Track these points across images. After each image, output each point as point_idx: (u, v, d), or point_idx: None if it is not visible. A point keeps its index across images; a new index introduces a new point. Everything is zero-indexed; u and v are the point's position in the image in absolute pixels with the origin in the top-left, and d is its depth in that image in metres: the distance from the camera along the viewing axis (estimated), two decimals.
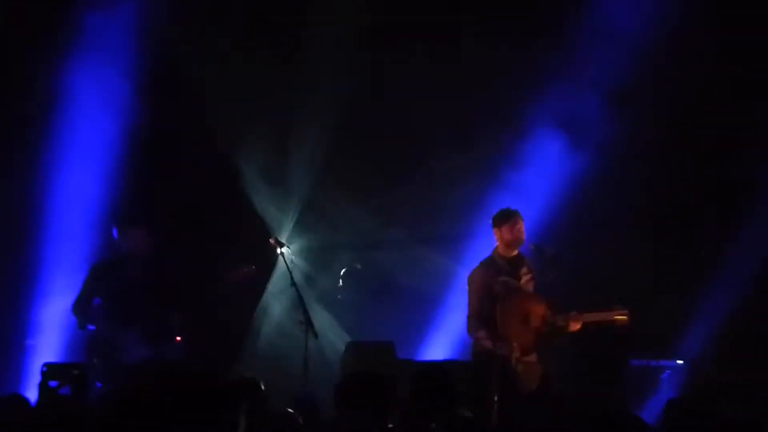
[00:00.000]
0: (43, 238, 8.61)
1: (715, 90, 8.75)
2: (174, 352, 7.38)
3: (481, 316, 7.17)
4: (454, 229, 9.13)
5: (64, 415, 4.77)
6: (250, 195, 9.20)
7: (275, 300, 9.20)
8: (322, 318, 8.88)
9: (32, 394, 6.48)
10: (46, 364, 6.63)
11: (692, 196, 8.94)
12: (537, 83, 8.96)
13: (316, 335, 7.28)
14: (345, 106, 9.06)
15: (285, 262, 7.51)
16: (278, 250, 7.55)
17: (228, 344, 8.80)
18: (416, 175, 9.21)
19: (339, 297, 9.39)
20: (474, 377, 7.06)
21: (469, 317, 7.29)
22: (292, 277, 7.38)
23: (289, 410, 5.18)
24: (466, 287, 7.39)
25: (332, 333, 9.01)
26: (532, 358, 7.16)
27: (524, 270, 7.34)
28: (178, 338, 7.44)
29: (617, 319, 7.15)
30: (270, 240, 7.68)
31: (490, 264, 7.35)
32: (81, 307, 7.45)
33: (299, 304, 7.30)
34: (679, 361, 8.44)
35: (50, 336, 8.34)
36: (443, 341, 8.86)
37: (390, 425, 4.52)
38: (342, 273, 9.41)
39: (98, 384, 6.99)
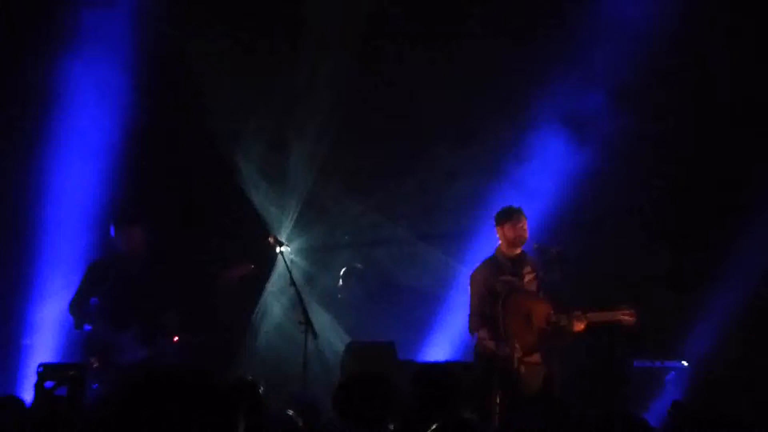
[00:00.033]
0: (40, 237, 8.60)
1: (722, 85, 8.74)
2: (171, 353, 7.38)
3: (483, 316, 7.15)
4: (456, 227, 9.12)
5: (60, 417, 4.76)
6: (248, 192, 9.19)
7: (274, 300, 9.19)
8: (321, 318, 8.88)
9: (28, 395, 6.49)
10: (41, 365, 6.63)
11: (699, 193, 8.93)
12: (540, 78, 8.95)
13: (315, 335, 7.27)
14: (345, 101, 9.06)
15: (284, 260, 7.50)
16: (277, 249, 7.54)
17: (226, 345, 8.79)
18: (418, 171, 9.20)
19: (339, 296, 9.38)
20: (476, 379, 7.04)
21: (470, 316, 7.27)
22: (291, 277, 7.37)
23: (289, 412, 5.17)
24: (468, 286, 7.38)
25: (332, 333, 9.00)
26: (536, 358, 7.14)
27: (527, 269, 7.31)
28: (176, 338, 7.43)
29: (623, 319, 7.13)
30: (269, 238, 7.68)
31: (492, 263, 7.33)
32: (77, 307, 7.45)
33: (298, 303, 7.29)
34: (684, 363, 8.43)
35: (46, 336, 8.33)
36: (445, 342, 8.85)
37: (391, 427, 4.51)
38: (342, 272, 9.40)
39: (94, 385, 6.98)
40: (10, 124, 8.64)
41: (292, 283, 7.32)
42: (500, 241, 7.35)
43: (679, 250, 8.86)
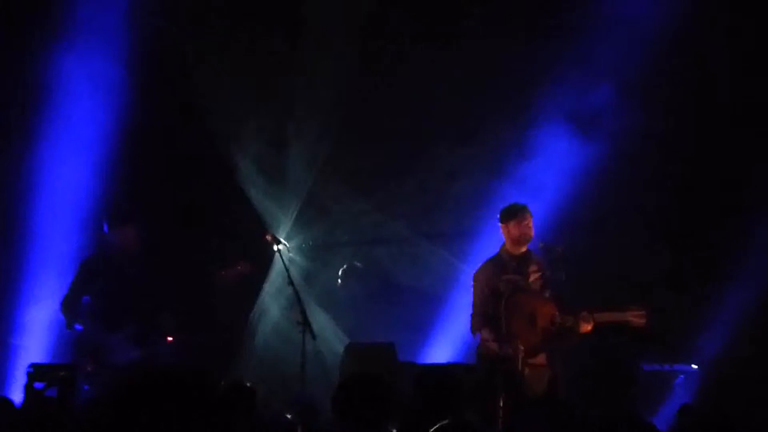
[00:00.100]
0: (30, 235, 8.59)
1: (731, 80, 8.74)
2: (165, 354, 7.37)
3: (485, 316, 7.13)
4: (458, 225, 9.11)
5: (50, 418, 4.76)
6: (246, 190, 9.19)
7: (272, 300, 9.19)
8: (320, 318, 8.87)
9: (17, 396, 6.48)
10: (32, 365, 6.64)
11: (706, 192, 8.92)
12: (542, 75, 8.95)
13: (314, 336, 7.26)
14: (345, 97, 9.06)
15: (282, 259, 7.49)
16: (275, 247, 7.54)
17: (223, 345, 8.79)
18: (419, 170, 9.19)
19: (338, 296, 9.36)
20: (479, 381, 7.03)
21: (472, 316, 7.25)
22: (289, 276, 7.36)
23: (287, 416, 5.17)
24: (471, 285, 7.36)
25: (331, 334, 9.00)
26: (540, 360, 7.11)
27: (533, 268, 7.28)
28: (170, 339, 7.43)
29: (633, 320, 7.10)
30: (266, 236, 7.67)
31: (496, 261, 7.30)
32: (69, 306, 7.44)
33: (297, 303, 7.28)
34: (694, 366, 8.42)
35: (36, 336, 8.33)
36: (446, 343, 8.84)
37: (391, 430, 4.51)
38: (341, 271, 9.39)
39: (85, 386, 6.98)
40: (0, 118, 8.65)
41: (290, 282, 7.31)
42: (505, 240, 7.33)
43: (686, 249, 8.85)
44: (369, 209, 9.26)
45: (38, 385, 6.36)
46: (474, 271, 7.41)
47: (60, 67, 8.55)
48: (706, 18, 8.69)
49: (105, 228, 7.59)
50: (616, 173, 8.91)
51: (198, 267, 7.93)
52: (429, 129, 9.22)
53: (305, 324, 7.17)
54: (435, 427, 4.53)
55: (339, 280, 9.40)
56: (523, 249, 7.31)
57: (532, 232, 7.29)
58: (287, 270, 7.38)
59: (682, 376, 8.33)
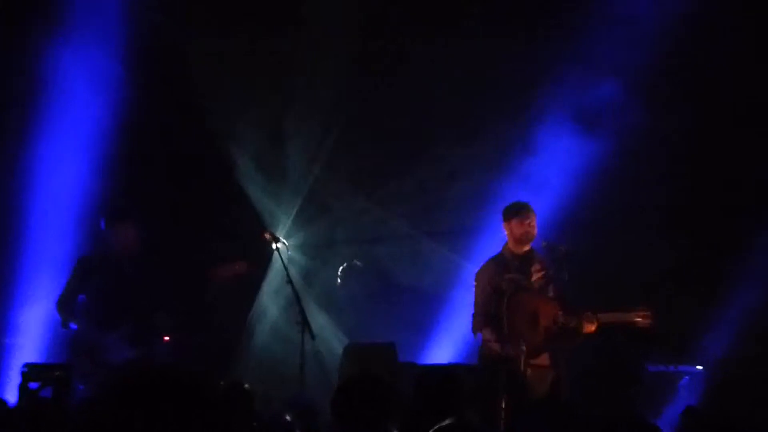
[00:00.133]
0: (25, 233, 8.58)
1: (739, 76, 8.73)
2: (162, 354, 7.37)
3: (487, 315, 7.13)
4: (461, 222, 9.11)
5: (45, 419, 4.77)
6: (246, 188, 9.19)
7: (270, 299, 9.19)
8: (319, 318, 8.87)
9: (11, 396, 6.49)
10: (26, 365, 6.64)
11: (714, 190, 8.92)
12: (546, 70, 8.95)
13: (313, 336, 7.27)
14: (346, 95, 9.06)
15: (281, 258, 7.48)
16: (273, 246, 7.54)
17: (221, 345, 8.79)
18: (421, 166, 9.18)
19: (338, 295, 9.36)
20: (480, 381, 7.03)
21: (473, 316, 7.24)
22: (288, 274, 7.36)
23: (287, 417, 5.18)
24: (473, 284, 7.36)
25: (330, 334, 9.00)
26: (543, 361, 7.11)
27: (536, 267, 7.26)
28: (166, 338, 7.43)
29: (639, 321, 7.09)
30: (265, 234, 7.67)
31: (498, 260, 7.29)
32: (65, 304, 7.44)
33: (295, 303, 7.28)
34: (699, 367, 8.42)
35: (31, 335, 8.33)
36: (448, 343, 8.83)
37: (393, 430, 4.52)
38: (341, 270, 9.38)
39: (80, 386, 6.98)
40: None
41: (289, 280, 7.31)
42: (507, 238, 7.32)
43: (691, 248, 8.85)
44: (370, 207, 9.26)
45: (33, 385, 6.37)
46: (476, 270, 7.42)
47: (56, 64, 8.53)
48: (709, 14, 8.68)
49: (102, 225, 7.59)
50: (620, 171, 8.90)
51: (196, 266, 7.92)
52: (431, 126, 9.22)
53: (304, 323, 7.17)
54: (435, 427, 4.54)
55: (338, 279, 9.40)
56: (526, 248, 7.29)
57: (536, 231, 7.27)
58: (286, 269, 7.38)
59: (687, 377, 8.33)
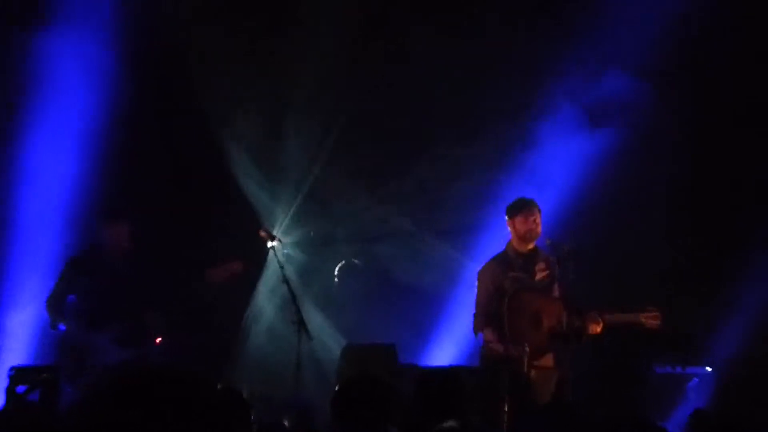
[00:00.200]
0: (13, 233, 8.57)
1: (739, 76, 8.76)
2: (154, 355, 7.39)
3: (489, 315, 7.13)
4: (462, 221, 9.11)
5: (33, 422, 4.78)
6: (242, 184, 9.19)
7: (266, 298, 9.20)
8: (317, 318, 8.88)
9: None
10: (13, 368, 6.64)
11: (726, 188, 8.94)
12: (549, 64, 8.97)
13: (310, 337, 7.28)
14: (346, 87, 9.07)
15: (276, 256, 7.50)
16: (269, 244, 7.55)
17: (214, 347, 8.80)
18: (423, 162, 9.19)
19: (336, 295, 9.37)
20: (482, 383, 7.05)
21: (475, 315, 7.23)
22: (283, 273, 7.37)
23: (284, 423, 5.21)
24: (475, 283, 7.38)
25: (328, 334, 9.01)
26: (548, 362, 7.11)
27: (540, 266, 7.25)
28: (158, 340, 7.45)
29: (647, 322, 7.09)
30: (260, 232, 7.68)
31: (501, 259, 7.28)
32: (54, 304, 7.44)
33: (292, 302, 7.30)
34: (708, 368, 8.44)
35: (18, 338, 8.33)
36: (449, 344, 8.85)
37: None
38: (338, 268, 9.39)
39: (68, 389, 7.00)
40: None
41: (285, 280, 7.33)
42: (511, 236, 7.32)
43: (703, 245, 8.88)
44: (370, 205, 9.26)
45: (20, 388, 6.38)
46: (478, 269, 7.43)
47: (47, 56, 8.52)
48: (715, 8, 8.72)
49: (96, 224, 7.61)
50: (627, 166, 8.92)
51: (190, 264, 7.93)
52: (431, 124, 9.22)
53: (300, 324, 7.19)
54: (435, 428, 4.57)
55: (336, 278, 9.41)
56: (531, 246, 7.28)
57: (540, 229, 7.25)
58: (281, 267, 7.40)
59: (695, 378, 8.35)
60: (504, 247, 7.36)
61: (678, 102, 9.00)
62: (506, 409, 6.69)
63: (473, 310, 7.29)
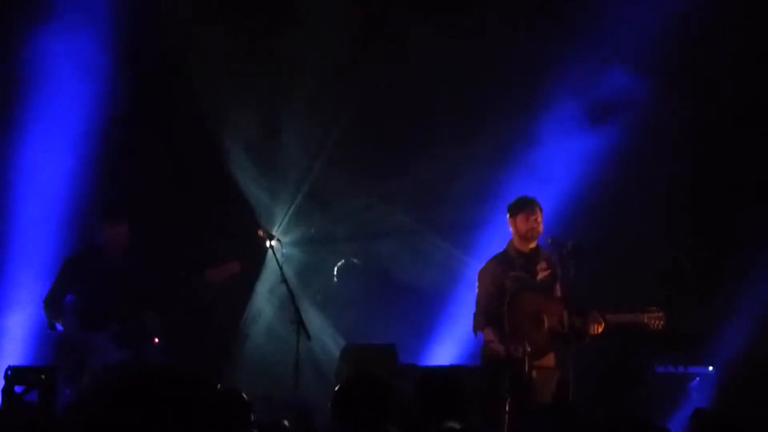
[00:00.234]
0: (10, 233, 8.54)
1: (748, 68, 8.74)
2: (152, 355, 7.36)
3: (489, 314, 7.10)
4: (463, 219, 9.09)
5: (30, 423, 4.75)
6: (241, 183, 9.16)
7: (265, 299, 9.17)
8: (316, 318, 8.86)
9: None
10: (10, 368, 6.61)
11: (729, 186, 8.92)
12: (552, 60, 8.95)
13: (309, 337, 7.25)
14: (346, 87, 9.05)
15: (275, 255, 7.47)
16: (267, 243, 7.52)
17: (213, 347, 8.77)
18: (423, 160, 9.16)
19: (335, 294, 9.33)
20: (483, 384, 7.03)
21: (475, 314, 7.20)
22: (282, 273, 7.34)
23: (285, 422, 5.18)
24: (476, 283, 7.35)
25: (327, 334, 8.98)
26: (549, 362, 7.07)
27: (542, 265, 7.22)
28: (156, 340, 7.42)
29: (651, 322, 7.05)
30: (259, 231, 7.65)
31: (502, 258, 7.24)
32: (52, 304, 7.42)
33: (290, 302, 7.27)
34: (710, 368, 8.41)
35: (15, 338, 8.30)
36: (450, 343, 8.82)
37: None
38: (337, 267, 9.36)
39: (66, 390, 6.97)
40: None
41: (284, 279, 7.30)
42: (513, 235, 7.29)
43: (706, 243, 8.85)
44: (370, 203, 9.23)
45: (18, 388, 6.34)
46: (479, 268, 7.40)
47: (43, 53, 8.48)
48: (715, 8, 8.70)
49: (95, 224, 7.58)
50: (627, 166, 8.90)
51: (190, 265, 7.90)
52: (431, 121, 9.20)
53: (299, 324, 7.16)
54: (435, 429, 4.55)
55: (335, 278, 9.38)
56: (532, 245, 7.24)
57: (541, 228, 7.21)
58: (280, 267, 7.37)
59: (697, 378, 8.33)
60: (505, 246, 7.33)
61: (678, 102, 8.97)
62: (507, 409, 6.66)
63: (473, 310, 7.26)
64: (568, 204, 8.63)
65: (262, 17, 9.06)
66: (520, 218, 7.22)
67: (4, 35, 8.46)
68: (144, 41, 8.77)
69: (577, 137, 8.98)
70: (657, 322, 7.05)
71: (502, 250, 7.34)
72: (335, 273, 9.35)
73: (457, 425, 4.76)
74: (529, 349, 6.85)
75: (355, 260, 9.33)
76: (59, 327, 7.30)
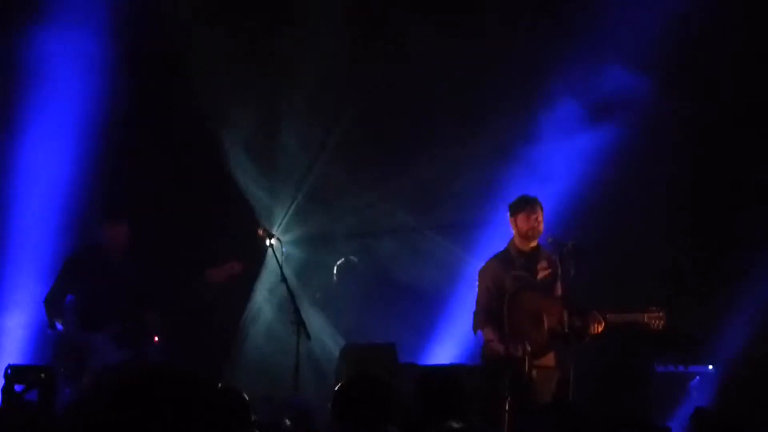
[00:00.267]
0: (8, 233, 8.53)
1: (748, 68, 8.73)
2: (152, 354, 7.35)
3: (489, 313, 7.09)
4: (463, 218, 9.08)
5: (30, 422, 4.74)
6: (240, 182, 9.15)
7: (265, 298, 9.16)
8: (315, 317, 8.84)
9: None
10: (10, 366, 6.60)
11: (725, 187, 8.91)
12: (551, 61, 8.94)
13: (309, 337, 7.24)
14: (346, 87, 9.04)
15: (275, 254, 7.46)
16: (267, 242, 7.51)
17: (213, 347, 8.76)
18: (423, 159, 9.15)
19: (335, 293, 9.32)
20: (483, 383, 7.02)
21: (475, 313, 7.19)
22: (282, 272, 7.33)
23: (287, 422, 5.18)
24: (476, 281, 7.33)
25: (327, 334, 8.97)
26: (549, 361, 7.05)
27: (543, 264, 7.20)
28: (156, 338, 7.41)
29: (652, 322, 7.02)
30: (258, 230, 7.64)
31: (503, 257, 7.22)
32: (52, 303, 7.41)
33: (290, 302, 7.26)
34: (710, 367, 8.40)
35: (15, 338, 8.29)
36: (450, 343, 8.81)
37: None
38: (336, 266, 9.34)
39: (66, 389, 6.96)
40: None
41: (283, 278, 7.28)
42: (513, 234, 7.27)
43: (706, 242, 8.84)
44: (370, 202, 9.22)
45: (17, 387, 6.33)
46: (480, 267, 7.39)
47: (45, 53, 8.46)
48: (715, 8, 8.69)
49: (95, 224, 7.57)
50: (627, 166, 8.89)
51: (190, 265, 7.89)
52: (432, 122, 9.19)
53: (299, 323, 7.15)
54: (435, 429, 4.54)
55: (335, 277, 9.36)
56: (533, 244, 7.22)
57: (542, 227, 7.18)
58: (280, 266, 7.36)
59: (697, 377, 8.32)
60: (506, 245, 7.31)
61: (678, 102, 8.96)
62: (507, 408, 6.65)
63: (473, 309, 7.25)
64: (568, 204, 8.61)
65: (262, 17, 9.05)
66: (520, 217, 7.20)
67: (4, 35, 8.44)
68: (144, 41, 8.75)
69: (577, 137, 8.97)
70: (657, 321, 7.03)
71: (502, 249, 7.32)
72: (335, 272, 9.33)
73: (457, 425, 4.75)
74: (529, 349, 6.83)
75: (352, 257, 9.31)
76: (59, 326, 7.29)
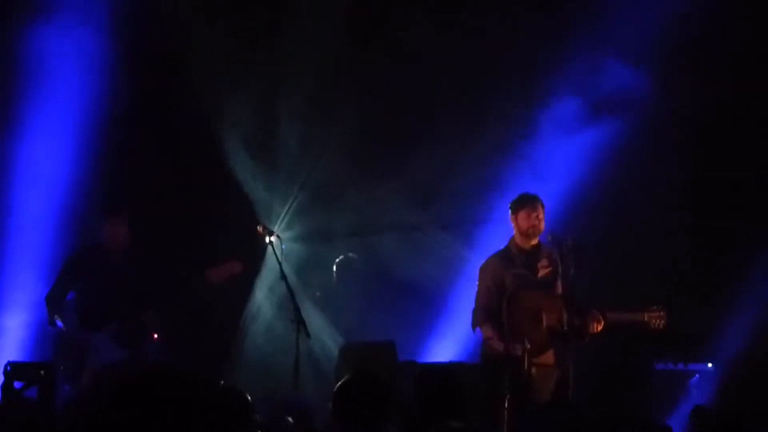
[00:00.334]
0: (8, 231, 8.52)
1: (748, 68, 8.73)
2: (152, 353, 7.34)
3: (488, 311, 7.07)
4: (463, 216, 9.08)
5: (30, 419, 4.74)
6: (241, 181, 9.15)
7: (264, 297, 9.16)
8: (315, 316, 8.83)
9: None
10: (10, 363, 6.60)
11: (725, 187, 8.90)
12: (551, 60, 8.94)
13: (308, 335, 7.23)
14: (346, 87, 9.04)
15: (274, 252, 7.45)
16: (267, 239, 7.50)
17: (213, 347, 8.76)
18: (423, 155, 9.14)
19: (335, 291, 9.30)
20: (483, 381, 7.01)
21: (474, 311, 7.19)
22: (282, 270, 7.31)
23: (289, 419, 5.17)
24: (476, 279, 7.33)
25: (326, 333, 8.96)
26: (548, 360, 7.03)
27: (543, 262, 7.18)
28: (155, 336, 7.40)
29: (652, 321, 7.01)
30: (258, 228, 7.64)
31: (503, 255, 7.20)
32: (54, 301, 7.40)
33: (290, 300, 7.25)
34: (710, 365, 8.40)
35: (14, 335, 8.29)
36: (449, 341, 8.80)
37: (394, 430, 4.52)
38: (336, 263, 9.33)
39: (66, 387, 6.96)
40: None
41: (283, 276, 7.27)
42: (514, 231, 7.25)
43: (707, 240, 8.83)
44: (371, 198, 9.22)
45: (17, 384, 6.33)
46: (480, 264, 7.38)
47: (45, 51, 8.46)
48: (715, 8, 8.69)
49: (94, 220, 7.57)
50: (627, 166, 8.89)
51: (190, 264, 7.89)
52: (432, 121, 9.19)
53: (299, 322, 7.14)
54: (435, 428, 4.53)
55: (334, 274, 9.35)
56: (534, 242, 7.20)
57: (543, 225, 7.16)
58: (279, 263, 7.35)
59: (697, 375, 8.31)
60: (507, 242, 7.31)
61: (678, 102, 8.96)
62: (506, 406, 6.64)
63: (473, 306, 7.24)
64: (568, 203, 8.61)
65: (262, 17, 9.05)
66: (521, 215, 7.19)
67: (5, 34, 8.44)
68: (144, 41, 8.75)
69: (577, 136, 8.97)
70: (658, 321, 7.01)
71: (502, 247, 7.32)
72: (334, 270, 9.32)
73: (456, 424, 4.74)
74: (528, 347, 6.82)
75: (351, 254, 9.29)
76: (59, 323, 7.29)
